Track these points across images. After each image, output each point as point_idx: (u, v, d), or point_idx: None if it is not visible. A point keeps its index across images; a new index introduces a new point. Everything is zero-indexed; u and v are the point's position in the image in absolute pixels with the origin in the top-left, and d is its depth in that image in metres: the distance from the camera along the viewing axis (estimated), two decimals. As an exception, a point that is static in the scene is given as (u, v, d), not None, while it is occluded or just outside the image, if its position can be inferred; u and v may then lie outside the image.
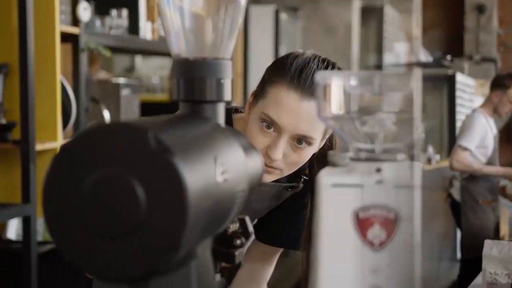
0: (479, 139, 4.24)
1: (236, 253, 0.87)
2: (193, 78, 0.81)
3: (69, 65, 2.74)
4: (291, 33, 5.92)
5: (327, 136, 1.31)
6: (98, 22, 2.98)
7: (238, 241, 0.87)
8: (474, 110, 4.50)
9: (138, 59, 5.40)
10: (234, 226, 0.87)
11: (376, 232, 0.68)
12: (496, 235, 4.47)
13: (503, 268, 1.83)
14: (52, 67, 2.54)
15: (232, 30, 0.83)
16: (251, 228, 0.88)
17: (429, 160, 6.10)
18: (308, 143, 1.24)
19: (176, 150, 0.62)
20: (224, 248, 0.87)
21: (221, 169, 0.71)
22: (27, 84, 2.42)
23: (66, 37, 2.69)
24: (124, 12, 3.05)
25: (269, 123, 1.23)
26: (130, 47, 3.23)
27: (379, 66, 7.48)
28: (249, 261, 1.49)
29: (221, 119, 0.82)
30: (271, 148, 1.22)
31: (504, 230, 4.87)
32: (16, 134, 2.47)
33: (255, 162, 0.85)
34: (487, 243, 1.88)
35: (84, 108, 2.74)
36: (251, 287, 1.52)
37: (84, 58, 2.73)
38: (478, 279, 2.01)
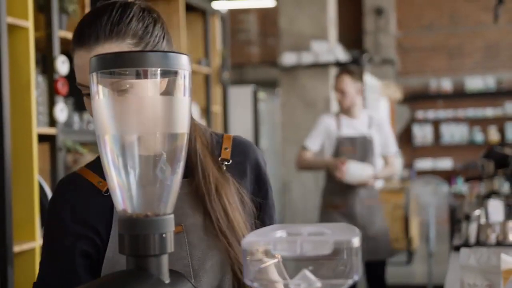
0: (321, 140, 4.12)
1: None
2: (137, 234, 0.87)
3: (47, 164, 2.80)
4: (271, 110, 6.06)
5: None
6: (76, 118, 3.07)
7: None
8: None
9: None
10: None
11: None
12: None
13: (483, 279, 1.67)
14: (30, 168, 2.60)
15: (172, 188, 0.90)
16: None
17: None
18: (128, 85, 1.11)
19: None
20: None
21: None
22: (4, 186, 2.47)
23: (44, 137, 2.76)
24: (102, 106, 3.14)
25: (86, 89, 1.18)
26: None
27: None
28: None
29: (164, 269, 0.88)
30: None
31: None
32: (-7, 236, 2.51)
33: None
34: (464, 251, 1.73)
35: (62, 205, 2.78)
36: None
37: (61, 156, 2.80)
38: None
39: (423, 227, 7.45)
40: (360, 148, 4.05)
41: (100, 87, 0.88)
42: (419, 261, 7.18)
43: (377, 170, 4.09)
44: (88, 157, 3.55)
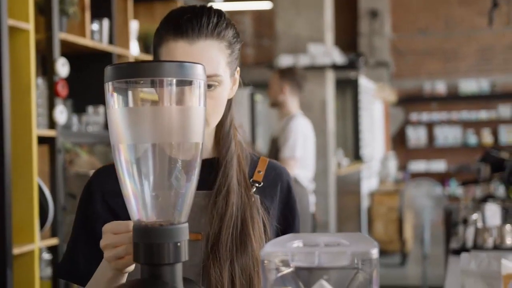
0: None
1: None
2: (152, 243, 0.87)
3: (46, 166, 2.80)
4: (267, 112, 6.06)
5: (236, 70, 1.29)
6: (75, 120, 3.06)
7: None
8: None
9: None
10: None
11: None
12: None
13: (483, 283, 1.69)
14: (29, 170, 2.59)
15: (187, 196, 0.90)
16: None
17: (339, 165, 6.13)
18: (217, 83, 1.21)
19: None
20: None
21: None
22: (4, 187, 2.47)
23: (43, 139, 2.76)
24: (101, 109, 3.14)
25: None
26: (107, 142, 3.32)
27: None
28: None
29: (178, 278, 0.88)
30: None
31: None
32: (-7, 238, 2.50)
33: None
34: (464, 256, 1.73)
35: (61, 206, 2.79)
36: None
37: (60, 158, 2.79)
38: None
39: (417, 229, 7.47)
40: (270, 148, 4.21)
41: (116, 96, 0.89)
42: (413, 263, 7.20)
43: None
44: (84, 158, 3.55)
